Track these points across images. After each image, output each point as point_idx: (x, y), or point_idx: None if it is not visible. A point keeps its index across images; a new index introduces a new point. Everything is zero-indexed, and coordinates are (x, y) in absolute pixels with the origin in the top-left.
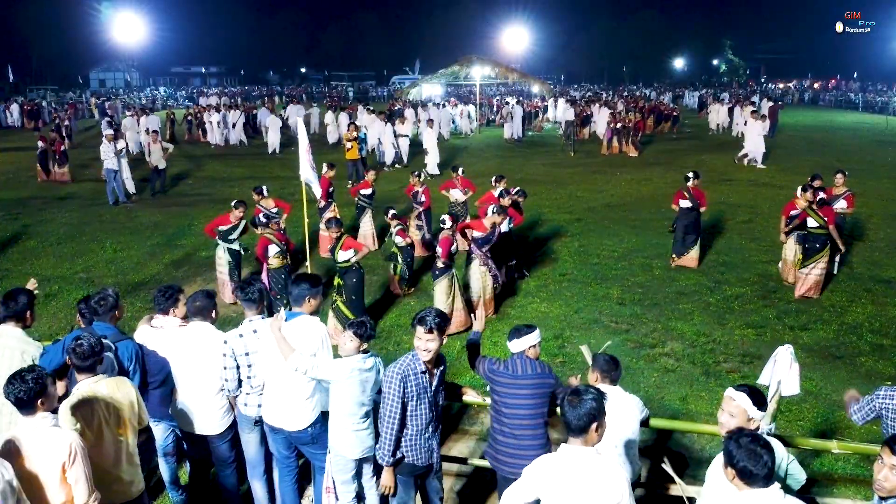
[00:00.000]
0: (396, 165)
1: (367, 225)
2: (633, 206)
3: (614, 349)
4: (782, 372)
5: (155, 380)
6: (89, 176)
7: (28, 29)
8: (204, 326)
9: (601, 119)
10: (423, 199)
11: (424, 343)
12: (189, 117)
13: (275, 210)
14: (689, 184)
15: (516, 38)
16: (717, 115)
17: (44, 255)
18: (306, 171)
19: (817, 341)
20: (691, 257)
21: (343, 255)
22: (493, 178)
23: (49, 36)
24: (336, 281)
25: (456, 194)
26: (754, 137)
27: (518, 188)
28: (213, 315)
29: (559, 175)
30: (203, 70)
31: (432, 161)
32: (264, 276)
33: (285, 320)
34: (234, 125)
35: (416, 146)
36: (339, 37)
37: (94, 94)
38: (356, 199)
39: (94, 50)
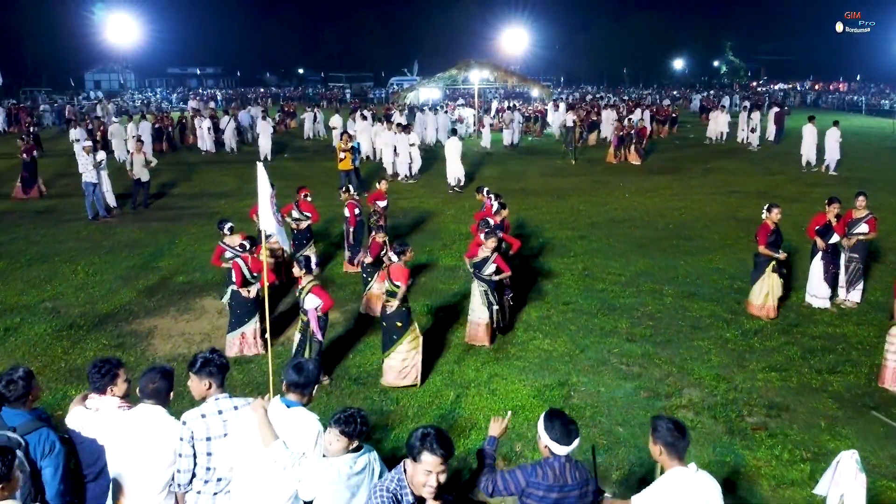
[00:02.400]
0: (403, 178)
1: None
2: (639, 222)
3: (627, 399)
4: (846, 482)
5: (91, 472)
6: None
7: (21, 30)
8: (155, 411)
9: (720, 121)
10: (346, 214)
11: (432, 477)
12: (156, 125)
13: (239, 246)
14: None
15: (515, 39)
16: (716, 122)
17: (11, 279)
18: (268, 221)
19: (848, 387)
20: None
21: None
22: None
23: (43, 37)
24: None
25: (382, 204)
26: (832, 144)
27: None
28: (169, 398)
29: (560, 185)
30: (198, 72)
31: (456, 173)
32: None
33: (286, 406)
34: (223, 131)
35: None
36: (337, 38)
37: (111, 95)
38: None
39: (88, 51)
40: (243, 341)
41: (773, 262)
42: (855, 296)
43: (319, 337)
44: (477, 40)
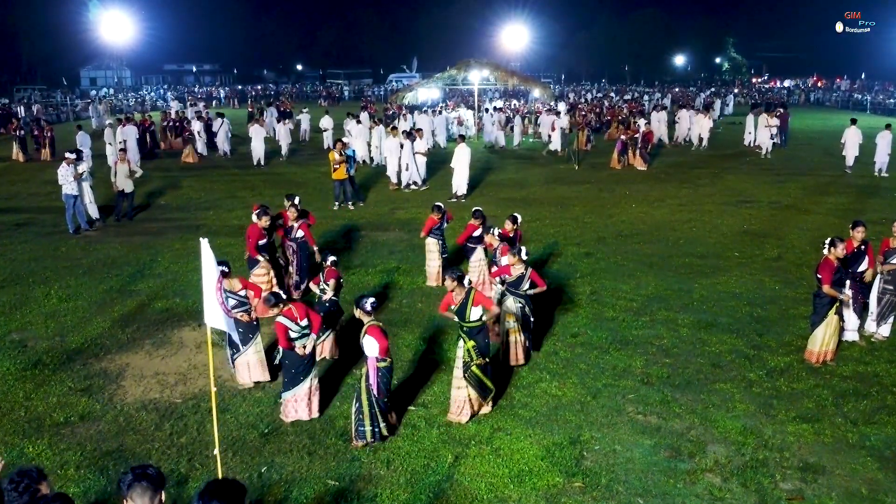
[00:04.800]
0: (413, 187)
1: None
2: (647, 237)
3: (646, 460)
4: None
5: None
6: None
7: (17, 27)
8: None
9: (702, 124)
10: (300, 233)
11: None
12: (149, 126)
13: (241, 293)
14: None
15: (515, 36)
16: (699, 126)
17: None
18: (215, 315)
19: (887, 442)
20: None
21: (476, 313)
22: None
23: (38, 34)
24: (468, 344)
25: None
26: (883, 147)
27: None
28: None
29: (564, 194)
30: (194, 69)
31: (461, 182)
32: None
33: None
34: (216, 134)
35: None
36: (336, 34)
37: (111, 95)
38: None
39: (84, 48)
40: (296, 403)
41: (837, 304)
42: (885, 330)
43: (375, 392)
44: (477, 37)
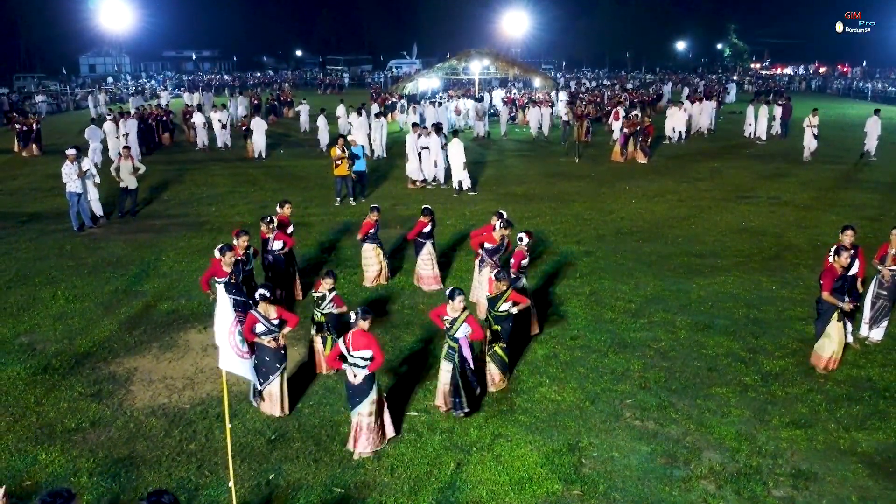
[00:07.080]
0: (438, 184)
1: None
2: (647, 234)
3: (642, 466)
4: None
5: None
6: None
7: (15, 15)
8: None
9: (677, 118)
10: (279, 245)
11: None
12: (149, 120)
13: (276, 321)
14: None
15: (516, 21)
16: (672, 119)
17: None
18: (230, 358)
19: (879, 449)
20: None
21: (505, 307)
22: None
23: (36, 21)
24: (494, 326)
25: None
26: None
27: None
28: None
29: (564, 189)
30: (193, 56)
31: (460, 176)
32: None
33: None
34: (223, 126)
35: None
36: (335, 19)
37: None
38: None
39: (83, 35)
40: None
41: (838, 311)
42: (877, 334)
43: (471, 363)
44: (477, 22)
